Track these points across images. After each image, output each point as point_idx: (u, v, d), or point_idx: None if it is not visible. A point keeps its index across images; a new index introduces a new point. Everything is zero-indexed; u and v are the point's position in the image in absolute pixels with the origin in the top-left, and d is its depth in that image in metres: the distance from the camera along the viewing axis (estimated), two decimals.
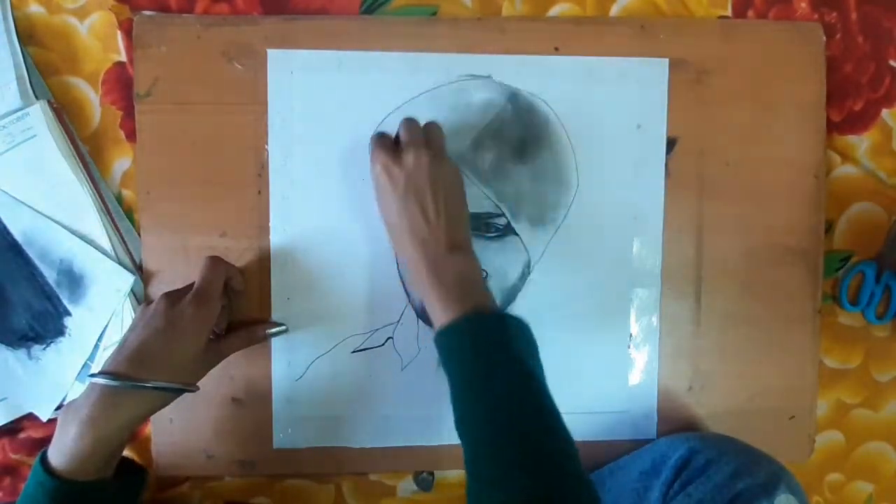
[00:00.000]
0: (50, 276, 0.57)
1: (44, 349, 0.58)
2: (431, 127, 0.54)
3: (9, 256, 0.57)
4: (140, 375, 0.47)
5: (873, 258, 0.66)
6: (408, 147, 0.51)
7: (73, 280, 0.57)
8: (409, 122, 0.53)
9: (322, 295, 0.59)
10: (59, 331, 0.58)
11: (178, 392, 0.49)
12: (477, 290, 0.49)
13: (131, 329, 0.50)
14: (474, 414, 0.44)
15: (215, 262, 0.55)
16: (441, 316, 0.47)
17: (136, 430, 0.54)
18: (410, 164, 0.50)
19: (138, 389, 0.47)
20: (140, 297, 0.58)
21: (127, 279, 0.57)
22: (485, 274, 0.59)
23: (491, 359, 0.45)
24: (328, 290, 0.59)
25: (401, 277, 0.59)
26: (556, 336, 0.60)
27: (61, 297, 0.57)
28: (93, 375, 0.46)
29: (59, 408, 0.58)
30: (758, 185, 0.62)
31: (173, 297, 0.51)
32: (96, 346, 0.58)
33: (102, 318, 0.57)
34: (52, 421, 0.59)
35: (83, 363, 0.58)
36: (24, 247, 0.57)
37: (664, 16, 0.62)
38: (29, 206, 0.56)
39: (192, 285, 0.52)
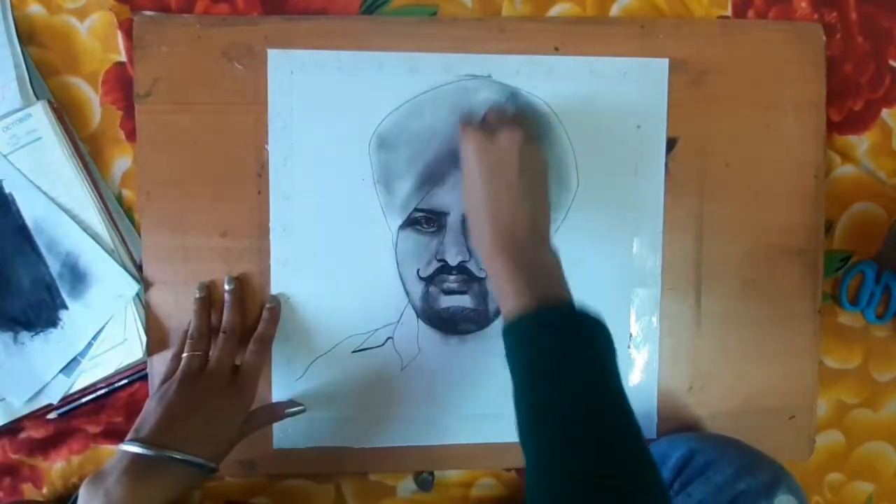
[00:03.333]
0: (53, 266, 0.57)
1: (32, 336, 0.57)
2: (527, 111, 0.53)
3: (17, 239, 0.56)
4: (174, 448, 0.46)
5: (873, 258, 0.66)
6: (501, 126, 0.50)
7: (77, 275, 0.57)
8: (500, 106, 0.52)
9: (322, 295, 0.59)
10: (52, 322, 0.57)
11: (208, 473, 0.48)
12: (555, 282, 0.46)
13: (164, 403, 0.49)
14: (543, 411, 0.41)
15: (263, 347, 0.55)
16: (514, 304, 0.44)
17: None
18: (503, 143, 0.49)
19: (169, 464, 0.46)
20: (141, 298, 0.58)
21: (131, 287, 0.57)
22: (484, 274, 0.59)
23: (567, 356, 0.41)
24: (328, 290, 0.59)
25: (401, 277, 0.59)
26: None
27: (61, 289, 0.57)
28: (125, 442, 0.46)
29: (31, 398, 0.58)
30: (758, 185, 0.62)
31: (215, 378, 0.52)
32: (89, 345, 0.57)
33: (100, 318, 0.57)
34: (52, 421, 0.59)
35: (72, 358, 0.57)
36: (34, 233, 0.56)
37: (664, 16, 0.62)
38: (46, 195, 0.56)
39: (220, 358, 0.53)
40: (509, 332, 0.45)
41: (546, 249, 0.48)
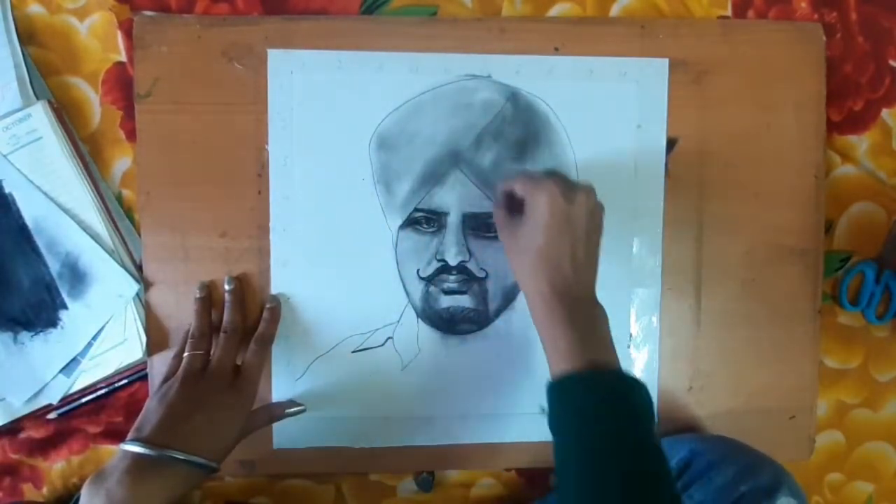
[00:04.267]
0: (53, 266, 0.57)
1: (32, 337, 0.57)
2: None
3: (17, 239, 0.56)
4: (176, 448, 0.46)
5: (873, 258, 0.66)
6: (580, 187, 0.51)
7: (77, 275, 0.57)
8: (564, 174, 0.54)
9: (322, 295, 0.59)
10: (52, 322, 0.57)
11: (210, 472, 0.48)
12: (605, 344, 0.48)
13: (165, 403, 0.49)
14: (587, 472, 0.43)
15: (264, 347, 0.55)
16: (565, 362, 0.46)
17: None
18: (580, 202, 0.50)
19: (171, 464, 0.46)
20: (141, 298, 0.58)
21: (131, 287, 0.57)
22: (484, 274, 0.59)
23: (613, 422, 0.43)
24: (328, 290, 0.59)
25: (401, 277, 0.59)
26: None
27: (61, 289, 0.57)
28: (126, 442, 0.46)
29: (31, 398, 0.58)
30: (758, 185, 0.62)
31: (217, 377, 0.52)
32: (89, 345, 0.57)
33: (100, 318, 0.57)
34: (52, 421, 0.59)
35: (72, 358, 0.57)
36: (34, 233, 0.56)
37: (664, 16, 0.62)
38: (46, 195, 0.56)
39: (221, 359, 0.53)
40: (558, 389, 0.46)
41: (597, 308, 0.49)
